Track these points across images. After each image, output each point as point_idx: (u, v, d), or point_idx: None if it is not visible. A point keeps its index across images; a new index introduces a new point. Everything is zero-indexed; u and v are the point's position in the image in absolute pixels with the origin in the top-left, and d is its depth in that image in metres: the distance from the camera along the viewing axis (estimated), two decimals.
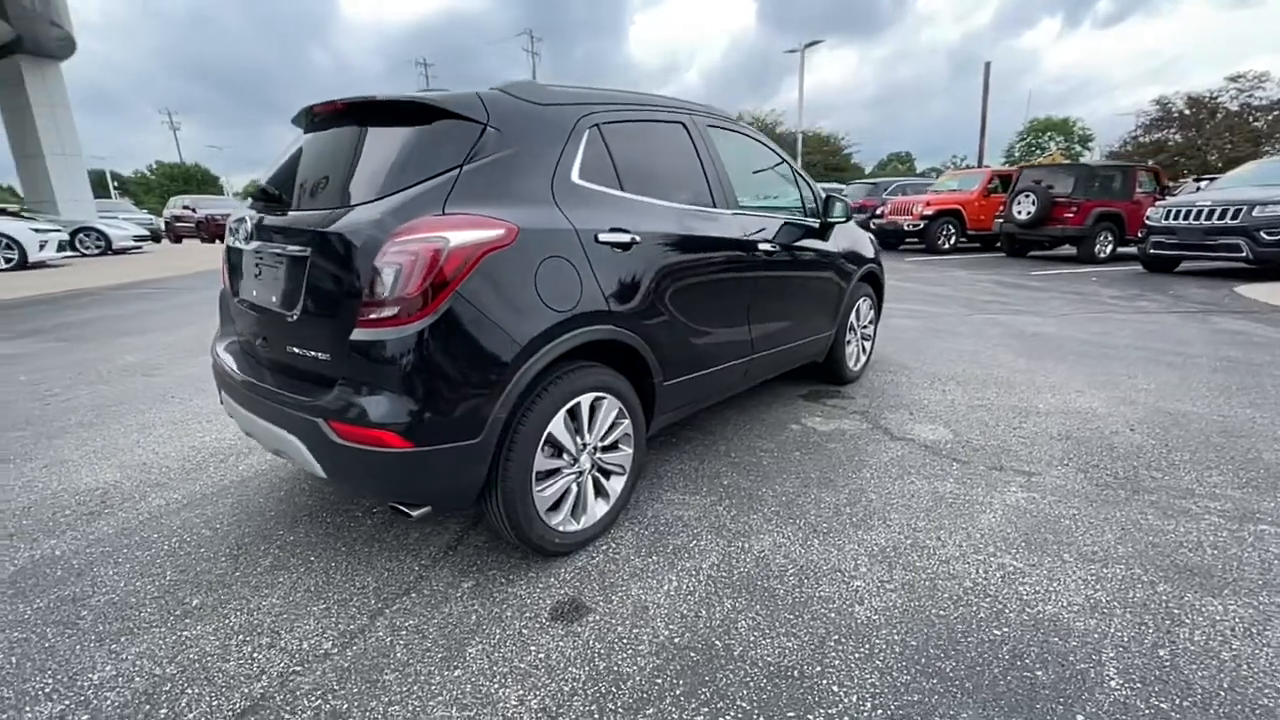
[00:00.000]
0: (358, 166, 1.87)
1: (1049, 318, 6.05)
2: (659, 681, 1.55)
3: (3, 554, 2.15)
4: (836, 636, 1.70)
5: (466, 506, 1.85)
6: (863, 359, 4.09)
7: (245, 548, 2.18)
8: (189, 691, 1.53)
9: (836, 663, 1.60)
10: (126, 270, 11.45)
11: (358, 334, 1.67)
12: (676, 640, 1.70)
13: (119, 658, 1.65)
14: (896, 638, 1.69)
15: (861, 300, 3.89)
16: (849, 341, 3.86)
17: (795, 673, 1.57)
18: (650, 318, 2.21)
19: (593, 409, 2.06)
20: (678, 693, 1.51)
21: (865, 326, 4.05)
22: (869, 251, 3.91)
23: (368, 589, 1.93)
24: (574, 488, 2.06)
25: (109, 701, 1.50)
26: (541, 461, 1.91)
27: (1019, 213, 11.02)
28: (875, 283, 4.07)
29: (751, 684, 1.54)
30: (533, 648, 1.67)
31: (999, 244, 12.25)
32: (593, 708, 1.47)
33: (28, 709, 1.48)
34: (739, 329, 2.74)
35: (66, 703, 1.50)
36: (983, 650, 1.64)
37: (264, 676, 1.58)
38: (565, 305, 1.88)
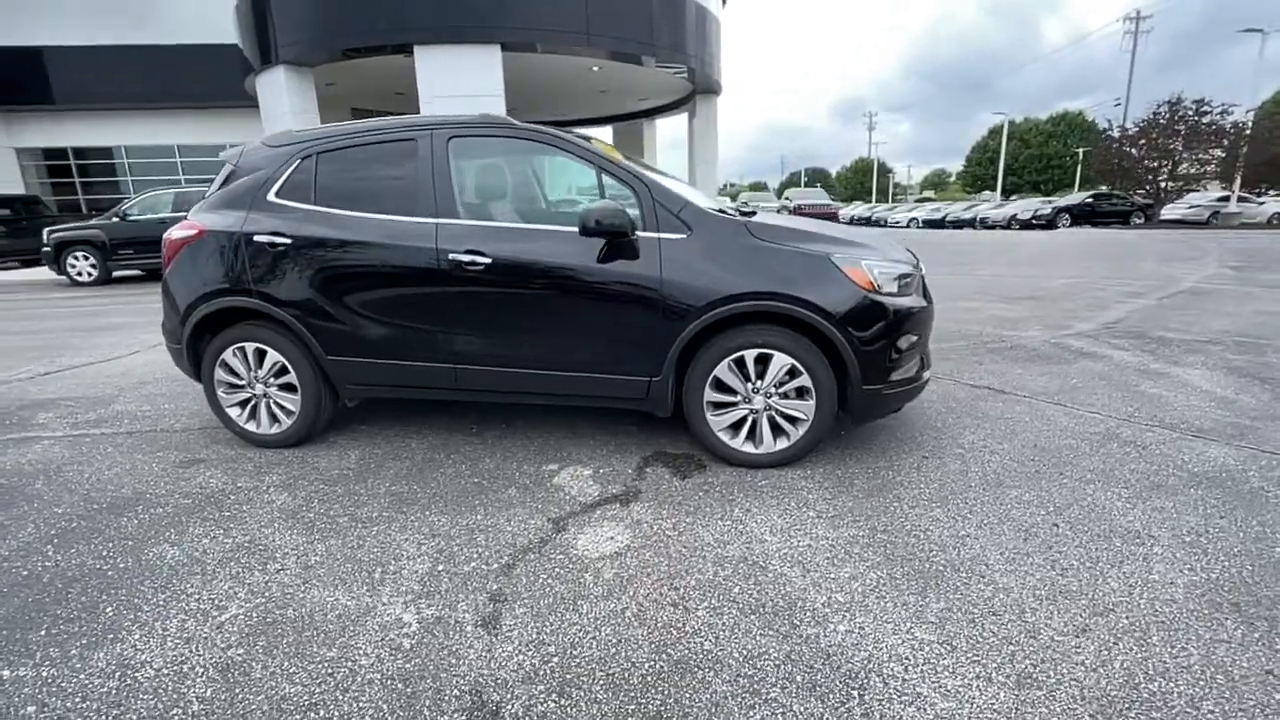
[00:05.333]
0: None
1: None
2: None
3: None
4: None
5: None
6: (775, 442, 2.68)
7: None
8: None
9: None
10: None
11: None
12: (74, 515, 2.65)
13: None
14: None
15: (759, 354, 2.58)
16: (727, 408, 2.69)
17: None
18: (301, 300, 2.87)
19: (260, 354, 3.00)
20: None
21: (783, 397, 2.63)
22: (784, 286, 2.51)
23: (223, 439, 3.57)
24: (259, 404, 3.09)
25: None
26: (221, 376, 3.06)
27: None
28: (813, 333, 2.55)
29: None
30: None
31: None
32: None
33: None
34: (429, 333, 2.81)
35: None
36: None
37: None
38: (219, 281, 2.93)
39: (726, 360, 2.64)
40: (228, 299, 2.95)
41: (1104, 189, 26.55)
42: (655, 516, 2.38)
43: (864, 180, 78.68)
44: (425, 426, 3.39)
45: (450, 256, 2.72)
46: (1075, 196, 27.27)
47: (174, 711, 1.51)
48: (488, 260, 2.70)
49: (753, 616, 1.79)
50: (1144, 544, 2.07)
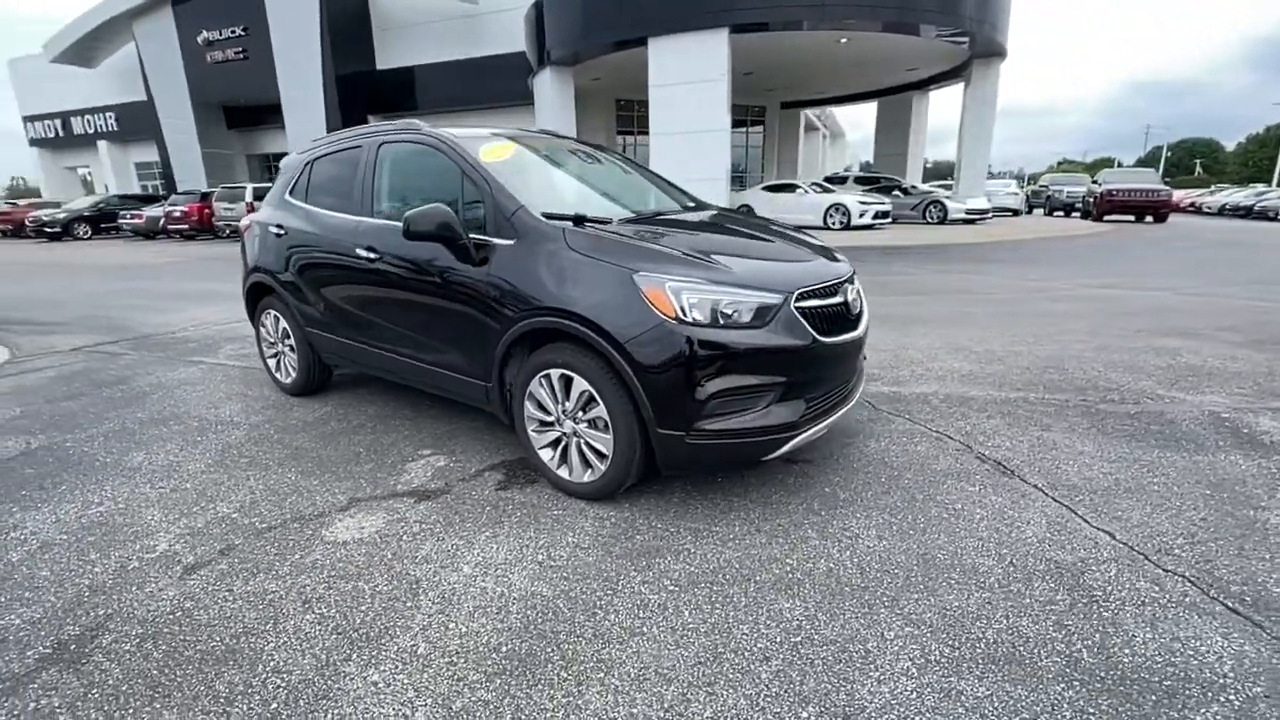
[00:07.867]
0: None
1: None
2: None
3: None
4: None
5: None
6: (584, 472, 2.43)
7: None
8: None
9: None
10: (927, 235, 14.02)
11: None
12: None
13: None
14: None
15: (562, 375, 2.37)
16: (549, 426, 2.53)
17: None
18: (288, 279, 3.57)
19: (277, 321, 3.81)
20: None
21: (591, 425, 2.36)
22: (571, 302, 2.27)
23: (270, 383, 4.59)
24: (280, 359, 3.94)
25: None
26: (262, 334, 3.98)
27: None
28: (606, 363, 2.22)
29: None
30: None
31: None
32: None
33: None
34: (356, 316, 3.23)
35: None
36: None
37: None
38: (255, 261, 3.78)
39: (537, 376, 2.49)
40: (257, 275, 3.82)
41: None
42: (422, 519, 2.42)
43: (1276, 154, 57.39)
44: (399, 397, 3.87)
45: (357, 250, 3.09)
46: None
47: None
48: (376, 255, 2.99)
49: (335, 637, 1.79)
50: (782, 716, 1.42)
